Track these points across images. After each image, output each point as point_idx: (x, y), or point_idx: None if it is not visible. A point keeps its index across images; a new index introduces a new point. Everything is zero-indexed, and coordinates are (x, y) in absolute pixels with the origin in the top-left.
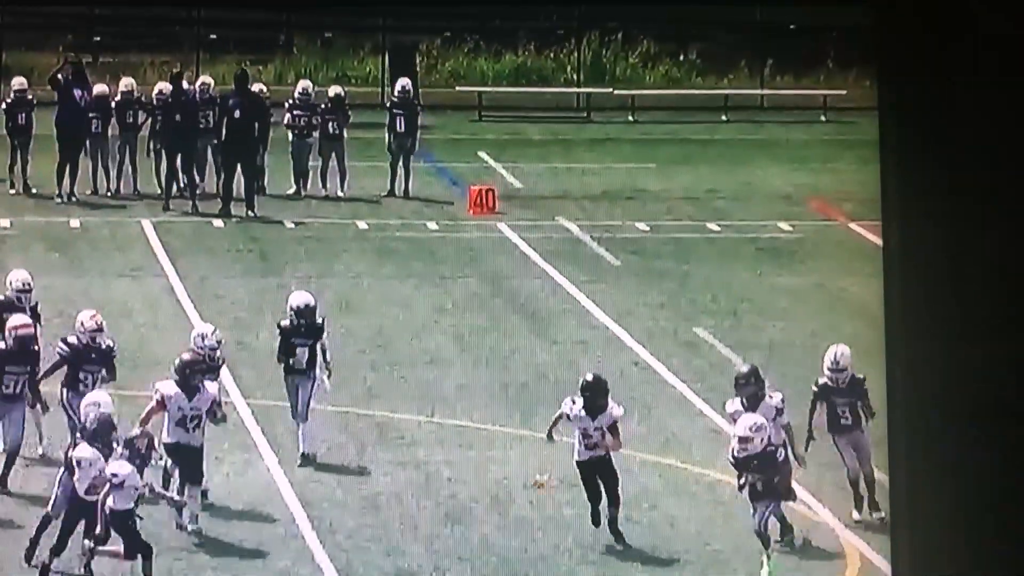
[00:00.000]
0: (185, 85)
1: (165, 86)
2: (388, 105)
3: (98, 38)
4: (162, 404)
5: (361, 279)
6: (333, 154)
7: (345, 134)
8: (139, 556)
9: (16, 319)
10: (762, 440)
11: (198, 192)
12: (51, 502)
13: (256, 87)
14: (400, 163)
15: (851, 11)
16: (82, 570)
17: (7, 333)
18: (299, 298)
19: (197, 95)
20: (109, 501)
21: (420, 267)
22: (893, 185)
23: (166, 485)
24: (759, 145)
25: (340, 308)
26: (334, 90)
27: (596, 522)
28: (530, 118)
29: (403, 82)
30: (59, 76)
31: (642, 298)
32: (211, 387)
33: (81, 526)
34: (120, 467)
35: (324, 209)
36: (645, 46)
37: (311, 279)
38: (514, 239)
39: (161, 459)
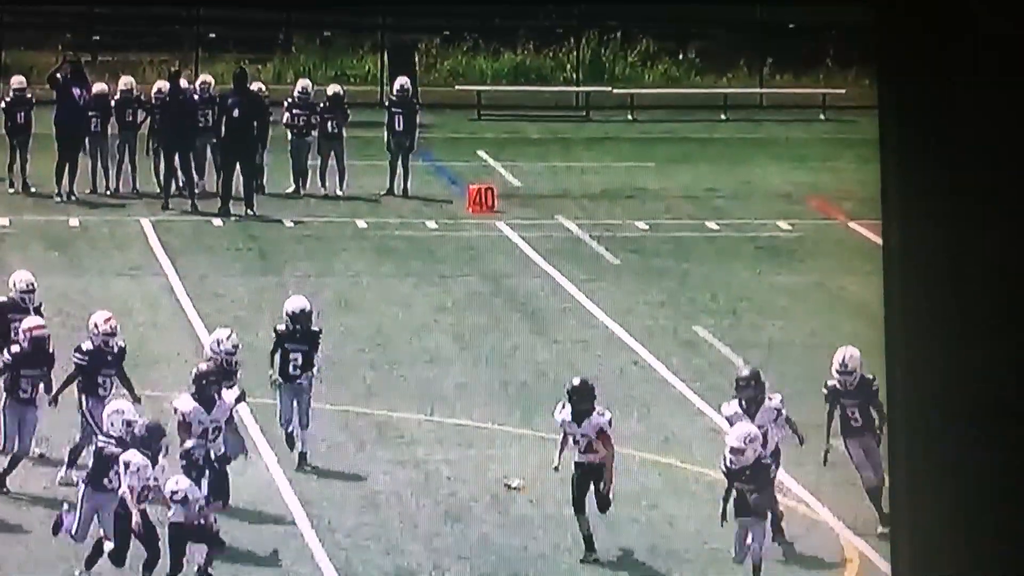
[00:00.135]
0: (183, 84)
1: (164, 85)
2: (387, 104)
3: (97, 37)
4: (185, 424)
5: (360, 278)
6: (332, 153)
7: (344, 133)
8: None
9: (30, 320)
10: (754, 451)
11: (197, 191)
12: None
13: (255, 86)
14: (399, 162)
15: (851, 10)
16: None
17: (22, 335)
18: (295, 303)
19: (197, 94)
20: (169, 514)
21: (419, 266)
22: (893, 185)
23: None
24: (758, 144)
25: (339, 307)
26: (333, 89)
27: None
28: (529, 117)
29: (402, 81)
30: (58, 75)
31: (642, 297)
32: (228, 396)
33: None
34: (177, 482)
35: (323, 208)
36: (644, 45)
37: (310, 278)
38: (513, 238)
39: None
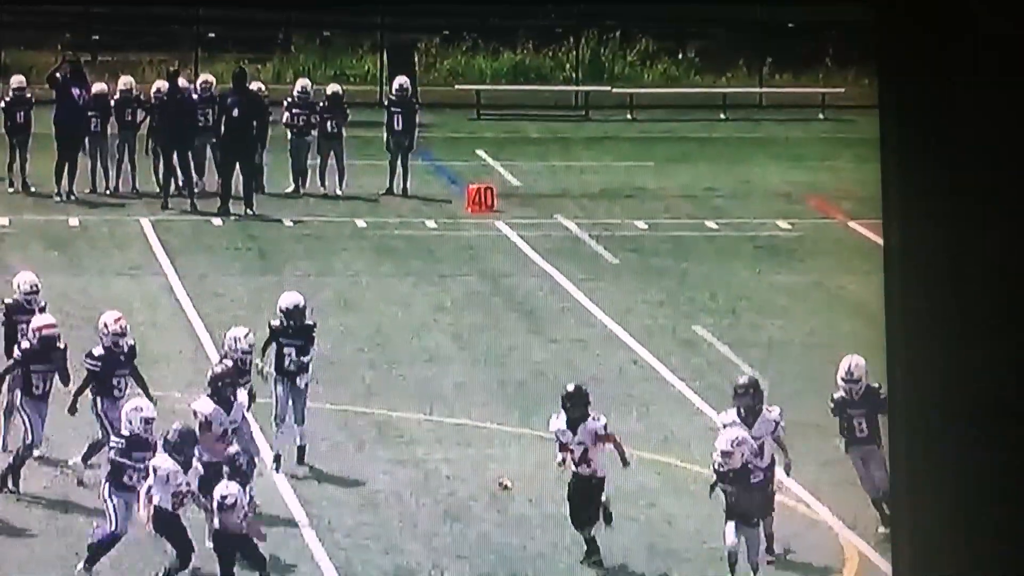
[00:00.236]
0: (181, 83)
1: (163, 84)
2: (386, 103)
3: (97, 37)
4: (207, 425)
5: (360, 277)
6: (332, 152)
7: (344, 132)
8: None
9: (40, 319)
10: (742, 455)
11: (197, 190)
12: (115, 519)
13: (255, 85)
14: (398, 161)
15: (851, 10)
16: None
17: (31, 332)
18: (288, 299)
19: (198, 93)
20: (215, 522)
21: (419, 265)
22: (893, 185)
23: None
24: (758, 143)
25: (339, 306)
26: (332, 88)
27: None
28: (529, 116)
29: (400, 80)
30: (57, 75)
31: (641, 296)
32: (242, 396)
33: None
34: (227, 488)
35: (323, 207)
36: (644, 44)
37: (310, 277)
38: (513, 237)
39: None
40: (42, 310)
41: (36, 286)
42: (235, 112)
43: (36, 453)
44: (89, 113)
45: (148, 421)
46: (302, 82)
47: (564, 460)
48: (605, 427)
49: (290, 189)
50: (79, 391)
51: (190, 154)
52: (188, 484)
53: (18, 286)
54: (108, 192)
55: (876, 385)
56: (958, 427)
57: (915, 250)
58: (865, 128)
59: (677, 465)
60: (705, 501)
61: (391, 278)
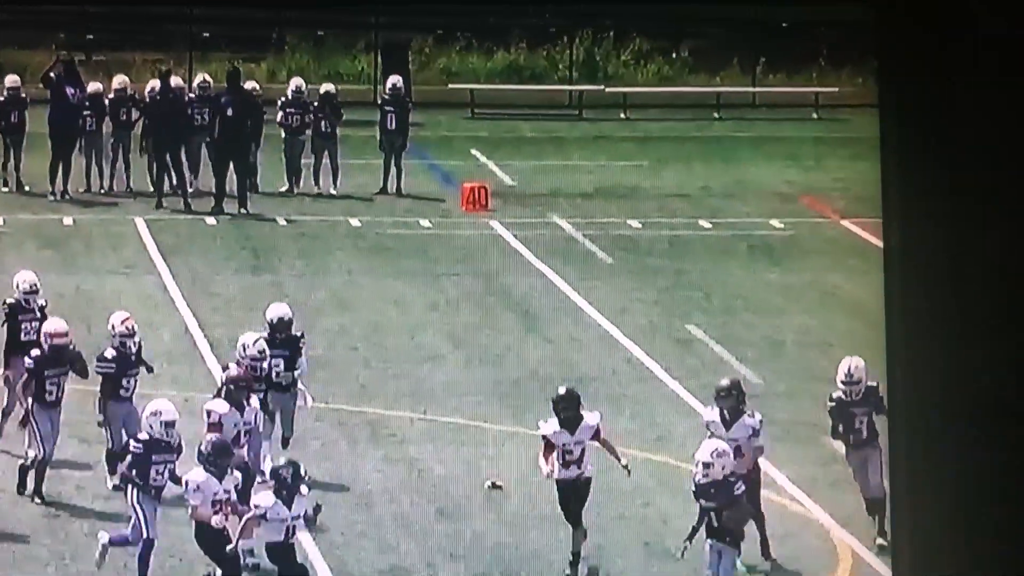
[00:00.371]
0: (174, 83)
1: (157, 84)
2: (379, 103)
3: (91, 36)
4: (218, 425)
5: (354, 276)
6: (326, 152)
7: (338, 132)
8: None
9: (52, 325)
10: (723, 467)
11: (191, 190)
12: (144, 525)
13: (249, 85)
14: (392, 161)
15: (850, 10)
16: None
17: (43, 338)
18: (275, 311)
19: (195, 92)
20: (258, 531)
21: (413, 265)
22: (894, 185)
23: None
24: (751, 142)
25: (333, 305)
26: (325, 88)
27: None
28: (523, 115)
29: (394, 79)
30: (51, 74)
31: (635, 295)
32: (254, 402)
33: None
34: (264, 499)
35: (317, 207)
36: (637, 44)
37: (304, 276)
38: (507, 237)
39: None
40: (42, 309)
41: (35, 285)
42: (229, 111)
43: (31, 454)
44: (84, 112)
45: (169, 424)
46: (296, 81)
47: (551, 473)
48: (601, 417)
49: (284, 188)
50: (104, 394)
51: (183, 153)
52: (227, 492)
53: (17, 285)
54: (102, 191)
55: (875, 384)
56: (958, 427)
57: (915, 250)
58: (858, 127)
59: (672, 464)
60: None
61: (385, 277)
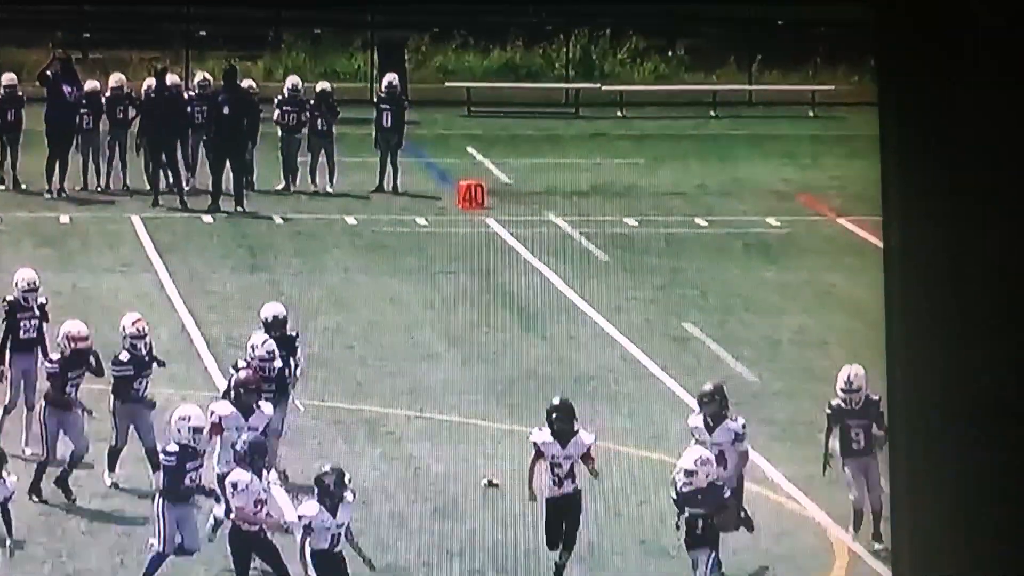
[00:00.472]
0: (169, 81)
1: (153, 82)
2: (376, 101)
3: (88, 34)
4: (218, 427)
5: (350, 274)
6: (322, 150)
7: (334, 130)
8: None
9: (71, 328)
10: (707, 475)
11: (187, 188)
12: (160, 537)
13: (245, 83)
14: (388, 159)
15: (850, 10)
16: None
17: (63, 341)
18: (269, 309)
19: (194, 90)
20: (308, 541)
21: (409, 262)
22: (894, 185)
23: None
24: (748, 141)
25: (329, 303)
26: (321, 86)
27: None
28: (519, 114)
29: (390, 77)
30: (48, 72)
31: (631, 293)
32: (266, 407)
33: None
34: (308, 508)
35: (313, 205)
36: (634, 42)
37: (300, 274)
38: (503, 235)
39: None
40: (41, 307)
41: (34, 283)
42: (226, 110)
43: (28, 452)
44: (81, 110)
45: (197, 431)
46: (292, 80)
47: (538, 491)
48: (595, 438)
49: (281, 186)
50: (113, 399)
51: (179, 151)
52: (265, 490)
53: (16, 283)
54: (99, 189)
55: (876, 397)
56: (958, 427)
57: (915, 250)
58: (855, 125)
59: (668, 462)
60: None
61: (382, 275)
